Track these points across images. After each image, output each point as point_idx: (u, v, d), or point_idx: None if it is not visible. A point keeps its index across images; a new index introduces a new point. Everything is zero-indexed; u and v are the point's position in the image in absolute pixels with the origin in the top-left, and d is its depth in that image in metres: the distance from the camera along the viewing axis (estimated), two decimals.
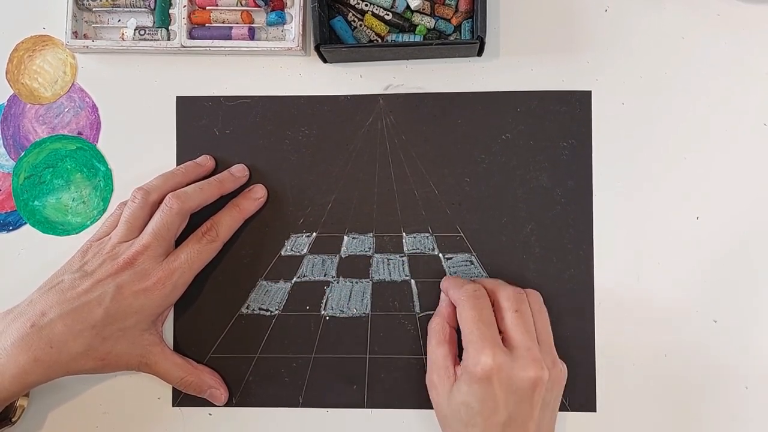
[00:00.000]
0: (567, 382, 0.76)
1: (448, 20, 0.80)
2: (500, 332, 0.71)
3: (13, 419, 0.78)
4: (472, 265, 0.79)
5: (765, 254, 0.78)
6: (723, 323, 0.78)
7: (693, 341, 0.78)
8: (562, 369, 0.73)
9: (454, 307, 0.74)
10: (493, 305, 0.73)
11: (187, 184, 0.78)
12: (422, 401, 0.78)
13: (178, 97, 0.82)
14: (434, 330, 0.75)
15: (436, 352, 0.73)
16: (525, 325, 0.71)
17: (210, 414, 0.80)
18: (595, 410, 0.78)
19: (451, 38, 0.80)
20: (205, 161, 0.81)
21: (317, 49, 0.77)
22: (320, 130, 0.81)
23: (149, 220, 0.76)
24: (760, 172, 0.78)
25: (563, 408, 0.77)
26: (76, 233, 0.82)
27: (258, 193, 0.80)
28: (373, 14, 0.80)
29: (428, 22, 0.80)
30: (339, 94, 0.81)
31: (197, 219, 0.77)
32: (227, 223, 0.78)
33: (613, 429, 0.78)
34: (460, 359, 0.71)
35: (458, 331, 0.73)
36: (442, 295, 0.78)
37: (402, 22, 0.80)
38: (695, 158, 0.79)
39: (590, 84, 0.80)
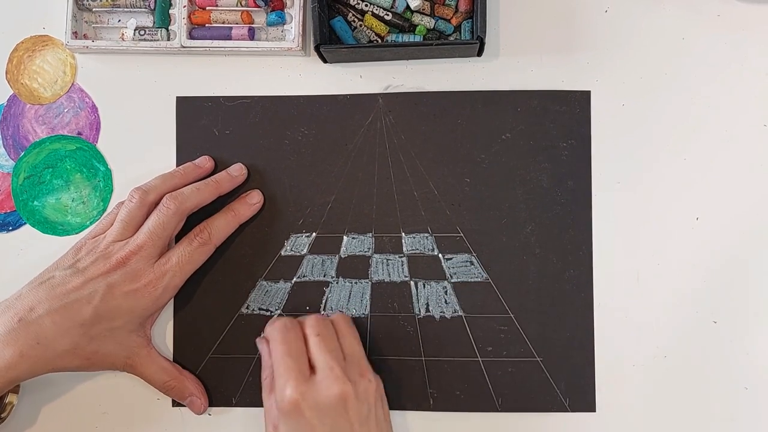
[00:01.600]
0: (567, 382, 0.76)
1: (448, 20, 0.80)
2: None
3: (3, 415, 0.78)
4: (472, 266, 0.79)
5: (765, 255, 0.78)
6: (723, 324, 0.78)
7: (693, 342, 0.78)
8: (371, 380, 0.72)
9: None
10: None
11: (185, 185, 0.78)
12: (421, 402, 0.78)
13: (178, 98, 0.82)
14: (264, 383, 0.74)
15: (267, 403, 0.73)
16: (326, 345, 0.71)
17: (209, 414, 0.80)
18: (595, 410, 0.78)
19: (451, 38, 0.80)
20: (204, 162, 0.81)
21: (317, 49, 0.77)
22: (319, 130, 0.81)
23: (145, 220, 0.76)
24: (759, 173, 0.78)
25: (563, 408, 0.78)
26: (76, 233, 0.82)
27: (254, 199, 0.80)
28: (373, 14, 0.80)
29: (428, 22, 0.80)
30: (338, 94, 0.81)
31: (195, 221, 0.78)
32: (220, 226, 0.78)
33: (613, 429, 0.78)
34: None
35: None
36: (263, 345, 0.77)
37: (402, 22, 0.80)
38: (695, 158, 0.79)
39: (590, 84, 0.80)
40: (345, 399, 0.69)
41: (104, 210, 0.82)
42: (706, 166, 0.79)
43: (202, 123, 0.82)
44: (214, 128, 0.81)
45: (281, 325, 0.73)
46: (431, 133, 0.80)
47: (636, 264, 0.79)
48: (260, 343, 0.77)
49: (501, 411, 0.78)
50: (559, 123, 0.79)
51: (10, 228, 0.83)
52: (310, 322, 0.74)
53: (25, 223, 0.83)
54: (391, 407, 0.78)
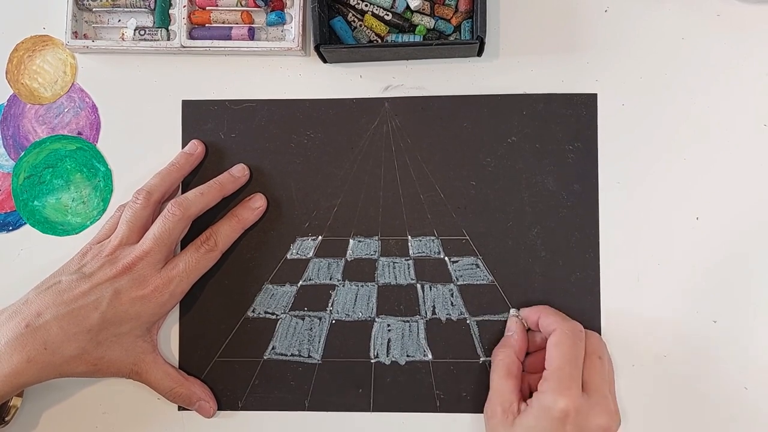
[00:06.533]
0: None
1: (448, 20, 0.80)
2: None
3: (7, 419, 0.78)
4: (478, 269, 0.79)
5: (765, 254, 0.79)
6: (723, 323, 0.78)
7: (693, 341, 0.78)
8: (620, 422, 0.73)
9: (526, 342, 0.76)
10: None
11: (184, 177, 0.79)
12: (427, 405, 0.79)
13: (183, 101, 0.82)
14: (503, 362, 0.75)
15: (504, 384, 0.74)
16: (606, 373, 0.73)
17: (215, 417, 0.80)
18: None
19: (451, 38, 0.80)
20: (194, 148, 0.80)
21: (317, 49, 0.77)
22: (326, 134, 0.81)
23: (151, 220, 0.76)
24: (760, 173, 0.79)
25: None
26: (76, 233, 0.82)
27: (257, 203, 0.80)
28: (373, 14, 0.80)
29: (428, 22, 0.80)
30: (344, 97, 0.81)
31: (197, 223, 0.78)
32: (226, 232, 0.78)
33: None
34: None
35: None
36: (512, 325, 0.78)
37: (402, 22, 0.80)
38: (695, 158, 0.79)
39: (590, 84, 0.80)
40: None
41: (104, 210, 0.82)
42: (706, 166, 0.79)
43: (207, 126, 0.81)
44: (219, 132, 0.81)
45: (578, 329, 0.74)
46: (437, 136, 0.80)
47: (637, 264, 0.79)
48: (533, 311, 0.78)
49: None
50: (565, 126, 0.79)
51: (10, 228, 0.82)
52: (594, 340, 0.75)
53: (25, 223, 0.82)
54: (398, 409, 0.79)
